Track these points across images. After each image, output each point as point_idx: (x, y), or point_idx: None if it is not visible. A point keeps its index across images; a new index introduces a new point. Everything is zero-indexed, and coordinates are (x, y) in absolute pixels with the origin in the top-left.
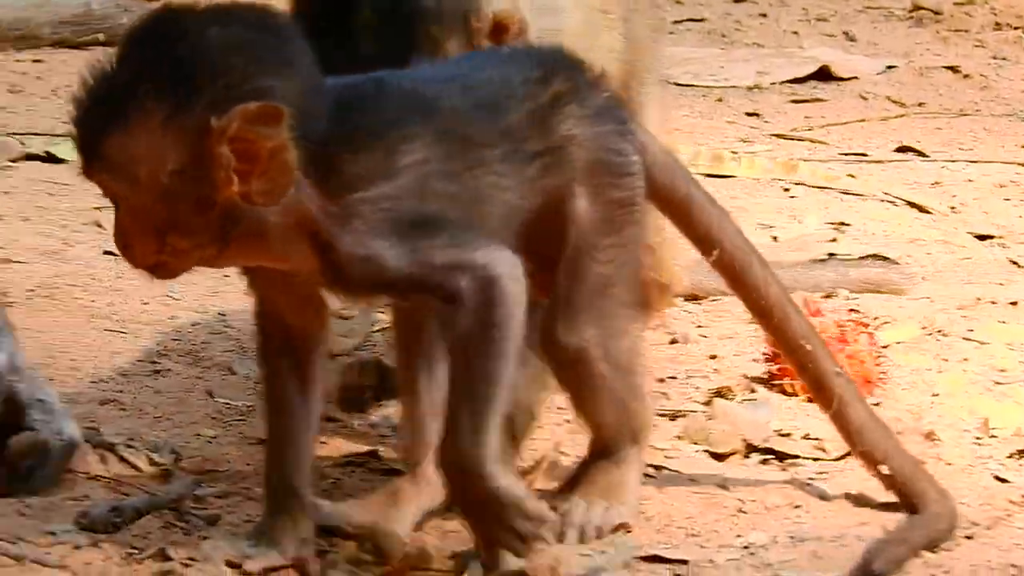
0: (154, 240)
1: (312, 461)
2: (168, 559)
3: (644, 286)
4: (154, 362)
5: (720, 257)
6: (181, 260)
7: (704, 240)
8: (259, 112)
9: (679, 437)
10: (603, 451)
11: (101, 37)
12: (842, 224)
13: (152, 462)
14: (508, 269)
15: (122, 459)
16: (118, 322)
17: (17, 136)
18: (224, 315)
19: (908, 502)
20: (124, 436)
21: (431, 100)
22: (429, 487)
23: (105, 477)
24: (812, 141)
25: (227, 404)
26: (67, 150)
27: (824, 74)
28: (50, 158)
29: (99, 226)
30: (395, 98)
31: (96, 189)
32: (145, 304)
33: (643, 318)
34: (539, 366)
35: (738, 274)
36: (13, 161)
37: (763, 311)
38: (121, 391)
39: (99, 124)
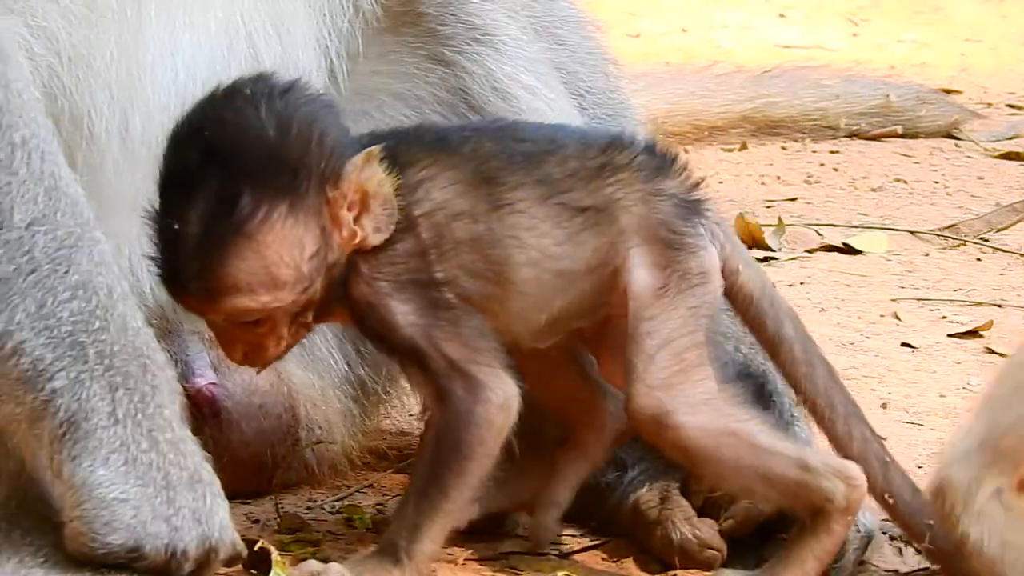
0: (288, 327)
1: None
2: None
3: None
4: None
5: (803, 402)
6: (301, 334)
7: (791, 380)
8: (363, 162)
9: None
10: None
11: (899, 130)
12: None
13: None
14: (502, 399)
15: (919, 551)
16: (914, 414)
17: (813, 227)
18: None
19: None
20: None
21: (457, 143)
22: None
23: (898, 572)
24: None
25: None
26: (865, 242)
27: None
28: (848, 249)
29: (896, 317)
30: (422, 143)
31: (894, 280)
32: (942, 397)
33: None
34: None
35: (822, 421)
36: (810, 251)
37: (850, 455)
38: (917, 484)
39: (215, 256)
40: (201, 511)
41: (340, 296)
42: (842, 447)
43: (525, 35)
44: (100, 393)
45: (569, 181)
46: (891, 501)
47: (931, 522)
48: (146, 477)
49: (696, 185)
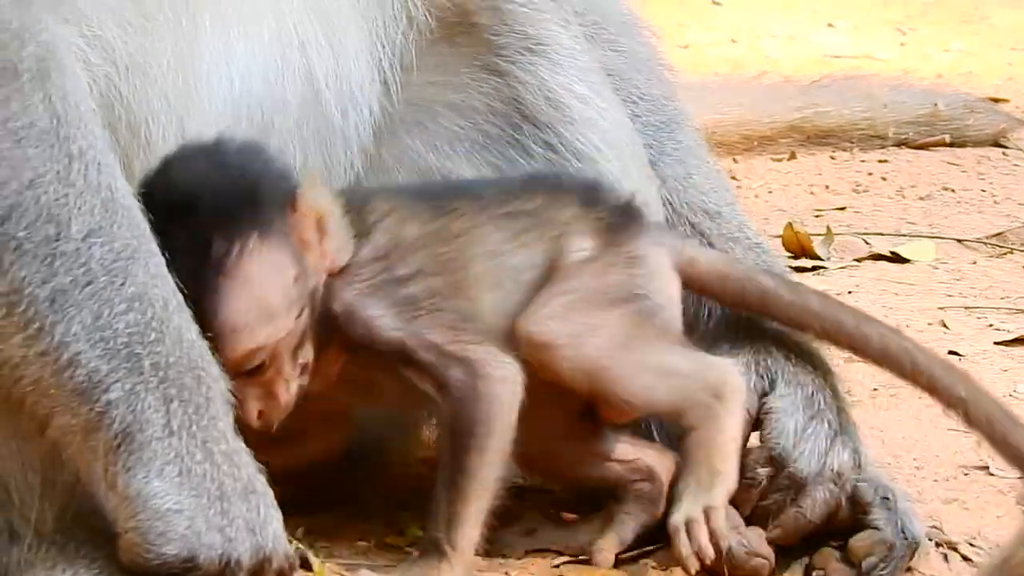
0: (291, 365)
1: None
2: None
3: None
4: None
5: (814, 335)
6: (306, 373)
7: (795, 322)
8: (308, 184)
9: None
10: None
11: (946, 139)
12: None
13: None
14: (501, 372)
15: (964, 558)
16: (960, 422)
17: (862, 236)
18: None
19: None
20: (967, 536)
21: (398, 183)
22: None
23: None
24: None
25: None
26: (912, 250)
27: None
28: (896, 258)
29: (944, 325)
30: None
31: (941, 289)
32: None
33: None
34: None
35: (837, 339)
36: (858, 260)
37: (874, 358)
38: (964, 490)
39: (205, 307)
40: (255, 522)
41: (328, 323)
42: (864, 351)
43: (578, 44)
44: (155, 405)
45: (501, 197)
46: (923, 381)
47: (964, 395)
48: (200, 488)
49: (630, 199)
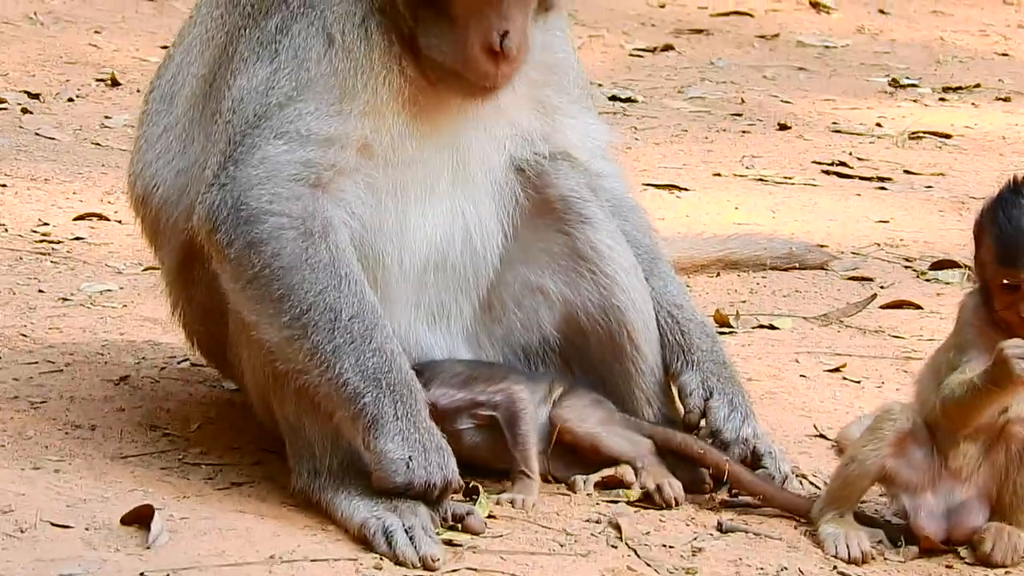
0: None
1: None
2: None
3: None
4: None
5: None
6: None
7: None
8: None
9: None
10: None
11: (797, 265)
12: None
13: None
14: (516, 386)
15: (812, 484)
16: (805, 411)
17: (754, 315)
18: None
19: None
20: (812, 471)
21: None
22: None
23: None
24: None
25: None
26: (780, 323)
27: None
28: (772, 327)
29: (797, 362)
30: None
31: (795, 343)
32: (821, 402)
33: None
34: None
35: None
36: (753, 328)
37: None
38: (809, 447)
39: None
40: (443, 464)
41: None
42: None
43: (607, 217)
44: (389, 404)
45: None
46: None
47: (701, 451)
48: (414, 448)
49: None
